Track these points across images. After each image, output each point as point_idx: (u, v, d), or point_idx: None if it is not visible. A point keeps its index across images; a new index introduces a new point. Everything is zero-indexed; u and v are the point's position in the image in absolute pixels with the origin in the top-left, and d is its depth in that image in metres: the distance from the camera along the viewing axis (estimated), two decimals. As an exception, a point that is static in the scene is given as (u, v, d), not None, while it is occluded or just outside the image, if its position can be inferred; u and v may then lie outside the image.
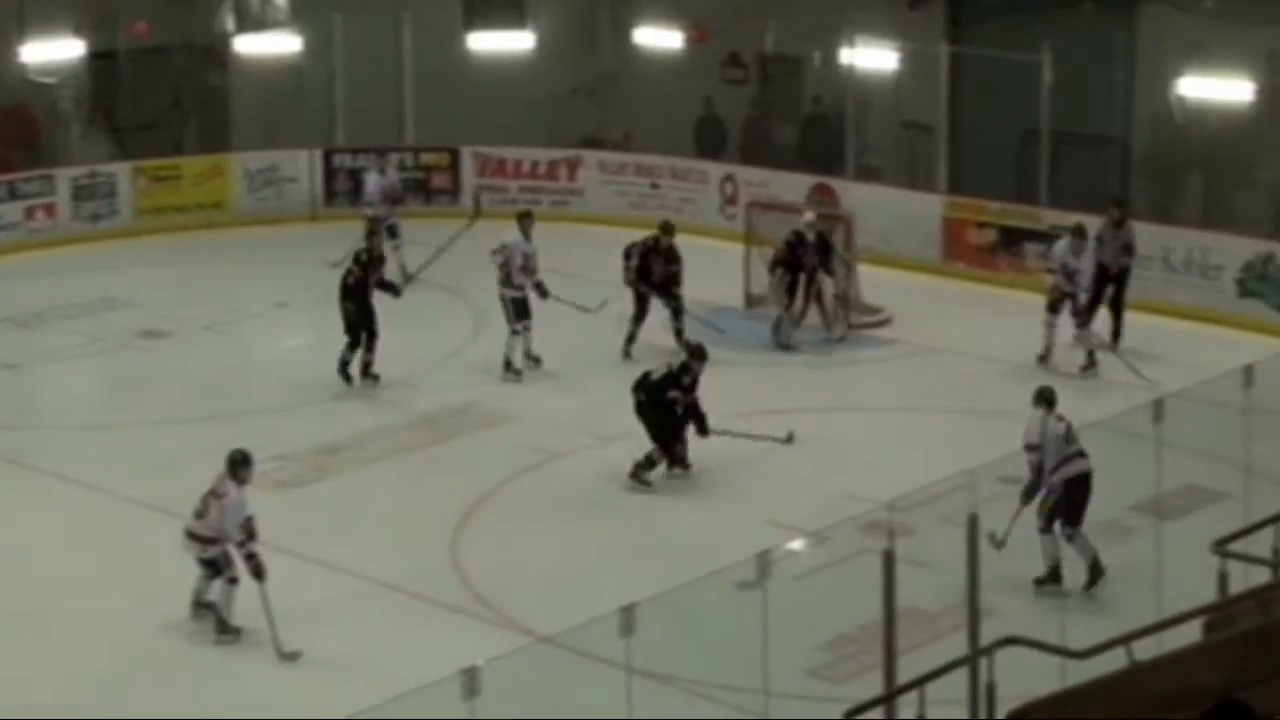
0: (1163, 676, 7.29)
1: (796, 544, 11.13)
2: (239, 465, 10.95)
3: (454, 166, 21.03)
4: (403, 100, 21.05)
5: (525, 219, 15.77)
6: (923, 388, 15.28)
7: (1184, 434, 11.43)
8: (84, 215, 19.91)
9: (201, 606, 11.02)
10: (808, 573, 10.89)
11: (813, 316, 16.25)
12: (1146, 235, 17.02)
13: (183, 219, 20.14)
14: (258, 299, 17.93)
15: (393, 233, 18.05)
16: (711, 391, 14.77)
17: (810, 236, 16.22)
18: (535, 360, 15.46)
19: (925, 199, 18.71)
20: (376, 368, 15.08)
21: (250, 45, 21.35)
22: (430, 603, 11.36)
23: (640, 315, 15.72)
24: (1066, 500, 11.10)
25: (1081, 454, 11.17)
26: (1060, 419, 11.32)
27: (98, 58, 21.06)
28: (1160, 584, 9.67)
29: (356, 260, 15.30)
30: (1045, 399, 11.39)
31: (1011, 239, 17.87)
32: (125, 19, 20.94)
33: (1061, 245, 15.56)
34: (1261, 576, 8.90)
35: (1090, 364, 15.17)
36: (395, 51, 21.03)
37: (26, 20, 20.50)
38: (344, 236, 18.72)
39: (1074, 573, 11.04)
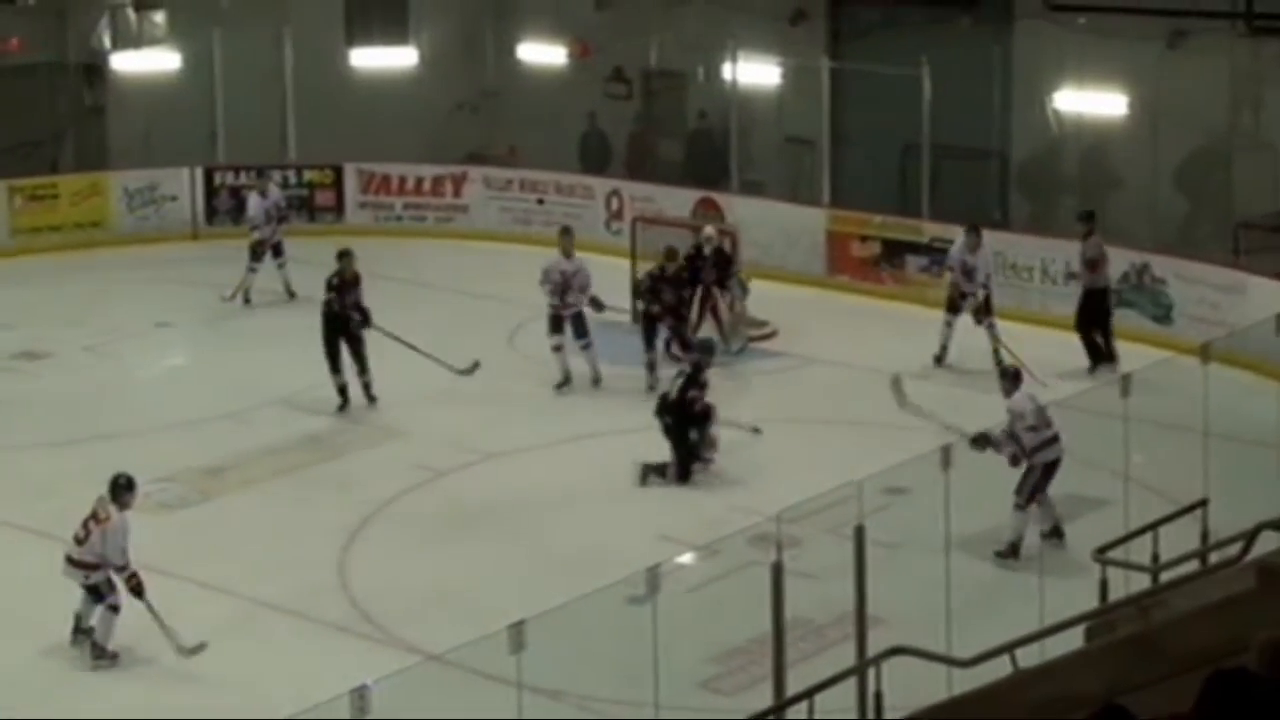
0: (1046, 683, 7.41)
1: (686, 557, 11.17)
2: (122, 489, 10.78)
3: (338, 183, 20.87)
4: (285, 117, 20.86)
5: (565, 236, 15.72)
6: (808, 400, 15.40)
7: (1065, 442, 11.66)
8: (-41, 235, 19.54)
9: (81, 632, 10.82)
10: (698, 586, 10.92)
11: (708, 330, 16.31)
12: (1024, 247, 17.32)
13: (61, 238, 19.81)
14: (138, 319, 17.64)
15: (277, 251, 17.91)
16: (605, 403, 14.85)
17: (708, 250, 16.29)
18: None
19: (809, 213, 18.87)
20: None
21: (128, 62, 21.02)
22: (318, 622, 11.25)
23: (651, 341, 15.51)
24: (1043, 480, 11.62)
25: (1058, 438, 11.61)
26: (1032, 398, 11.83)
27: (-29, 74, 20.69)
28: (1043, 592, 9.80)
29: (330, 286, 15.00)
30: (1017, 377, 11.99)
31: (894, 251, 18.07)
32: (-2, 35, 20.59)
33: (958, 244, 15.79)
34: (1141, 583, 9.08)
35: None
36: (276, 67, 20.84)
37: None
38: (226, 256, 18.57)
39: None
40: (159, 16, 21.06)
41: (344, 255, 15.32)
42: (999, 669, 7.87)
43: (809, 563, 10.76)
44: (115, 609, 10.66)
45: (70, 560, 10.76)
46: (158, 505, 13.06)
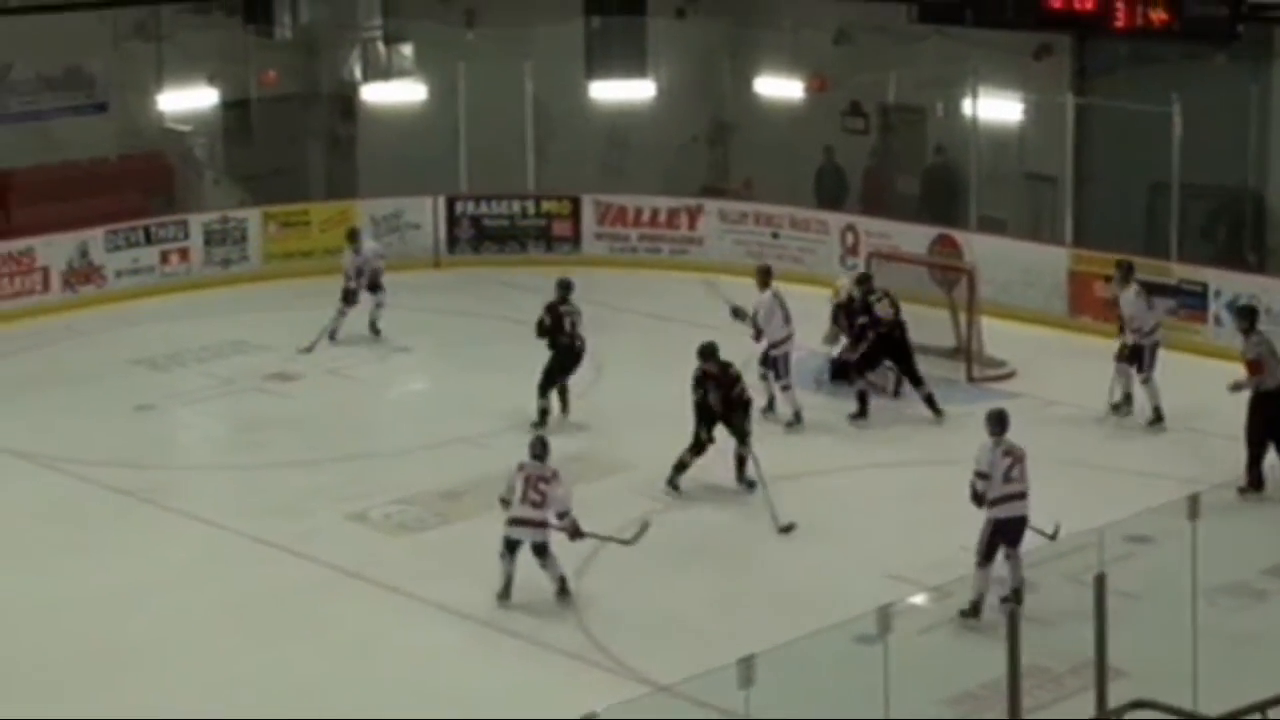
0: (1300, 745, 7.11)
1: (918, 598, 11.01)
2: (547, 446, 12.06)
3: (575, 214, 21.17)
4: (525, 148, 21.24)
5: (763, 274, 15.79)
6: (1046, 442, 15.01)
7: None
8: (216, 260, 20.30)
9: (506, 595, 11.88)
10: (929, 627, 10.76)
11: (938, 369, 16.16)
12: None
13: (310, 264, 20.44)
14: (382, 344, 18.11)
15: (373, 288, 17.90)
16: (819, 445, 14.71)
17: (857, 295, 15.86)
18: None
19: (1050, 251, 18.51)
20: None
21: (377, 94, 21.68)
22: (549, 649, 11.36)
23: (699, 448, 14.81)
24: (1000, 537, 11.29)
25: (1022, 495, 11.32)
26: (1009, 452, 11.43)
27: (230, 106, 21.54)
28: (1296, 649, 9.44)
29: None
30: (998, 423, 11.51)
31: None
32: (256, 68, 21.39)
33: (1129, 295, 15.34)
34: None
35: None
36: (518, 99, 21.25)
37: (163, 70, 21.03)
38: (466, 283, 18.98)
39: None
40: (407, 49, 21.71)
41: (564, 286, 15.70)
42: (1248, 728, 7.60)
43: (1046, 609, 10.54)
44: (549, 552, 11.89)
45: (525, 522, 11.81)
46: (397, 526, 13.40)
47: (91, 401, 16.41)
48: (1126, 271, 15.50)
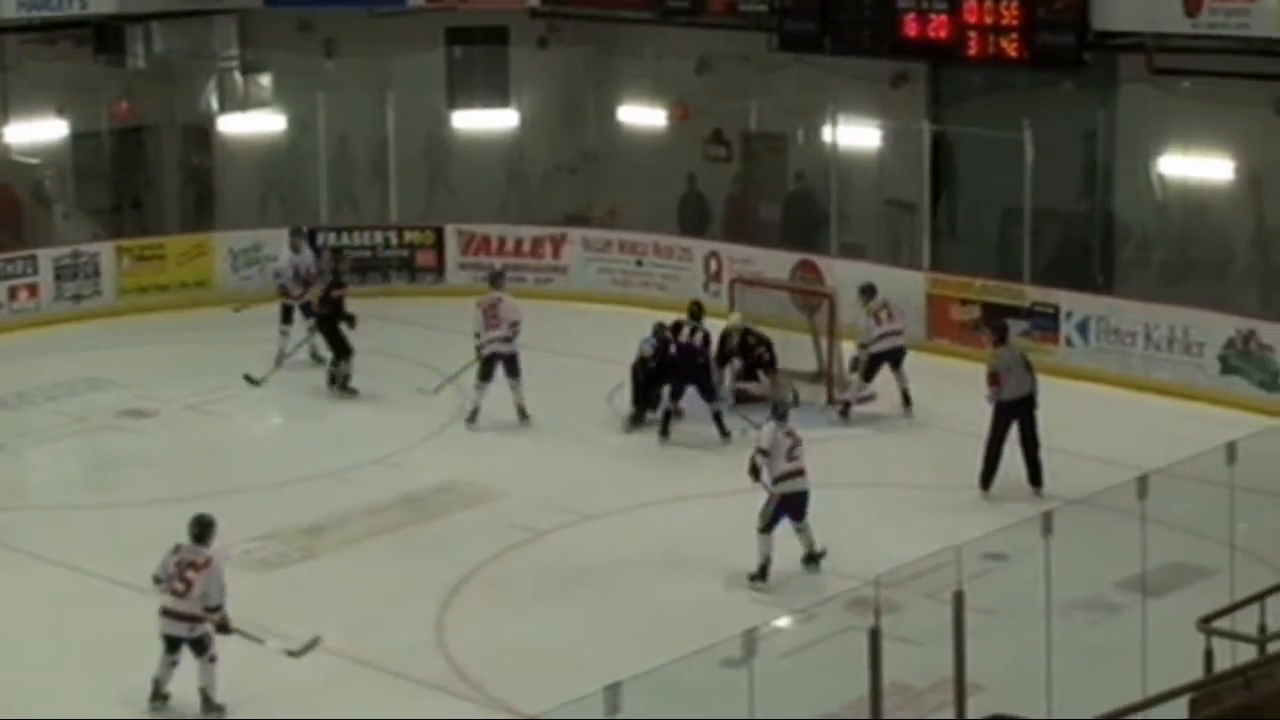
0: (1150, 754, 7.26)
1: (783, 621, 11.09)
2: (209, 528, 10.93)
3: (439, 244, 21.11)
4: (387, 178, 21.14)
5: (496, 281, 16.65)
6: (907, 464, 15.29)
7: (1168, 510, 11.46)
8: (67, 295, 19.93)
9: (160, 698, 10.87)
10: (794, 650, 10.84)
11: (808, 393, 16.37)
12: (1130, 313, 17.13)
13: (166, 298, 20.16)
14: (241, 378, 17.88)
15: (307, 313, 17.78)
16: (706, 468, 14.83)
17: (733, 341, 16.45)
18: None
19: (909, 276, 18.79)
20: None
21: (234, 124, 21.46)
22: (415, 682, 11.28)
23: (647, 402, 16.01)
24: (784, 511, 12.60)
25: (802, 472, 12.63)
26: (790, 434, 12.66)
27: (81, 138, 21.16)
28: (1146, 661, 9.63)
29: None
30: (780, 412, 12.85)
31: (995, 315, 17.94)
32: (108, 99, 21.05)
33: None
34: (1247, 654, 8.89)
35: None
36: (380, 130, 21.16)
37: (9, 101, 20.61)
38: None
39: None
40: (265, 79, 21.54)
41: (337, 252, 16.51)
42: (1101, 739, 7.74)
43: (907, 628, 10.66)
44: (214, 659, 10.77)
45: (172, 614, 10.80)
46: (258, 563, 13.22)
47: (-61, 443, 16.03)
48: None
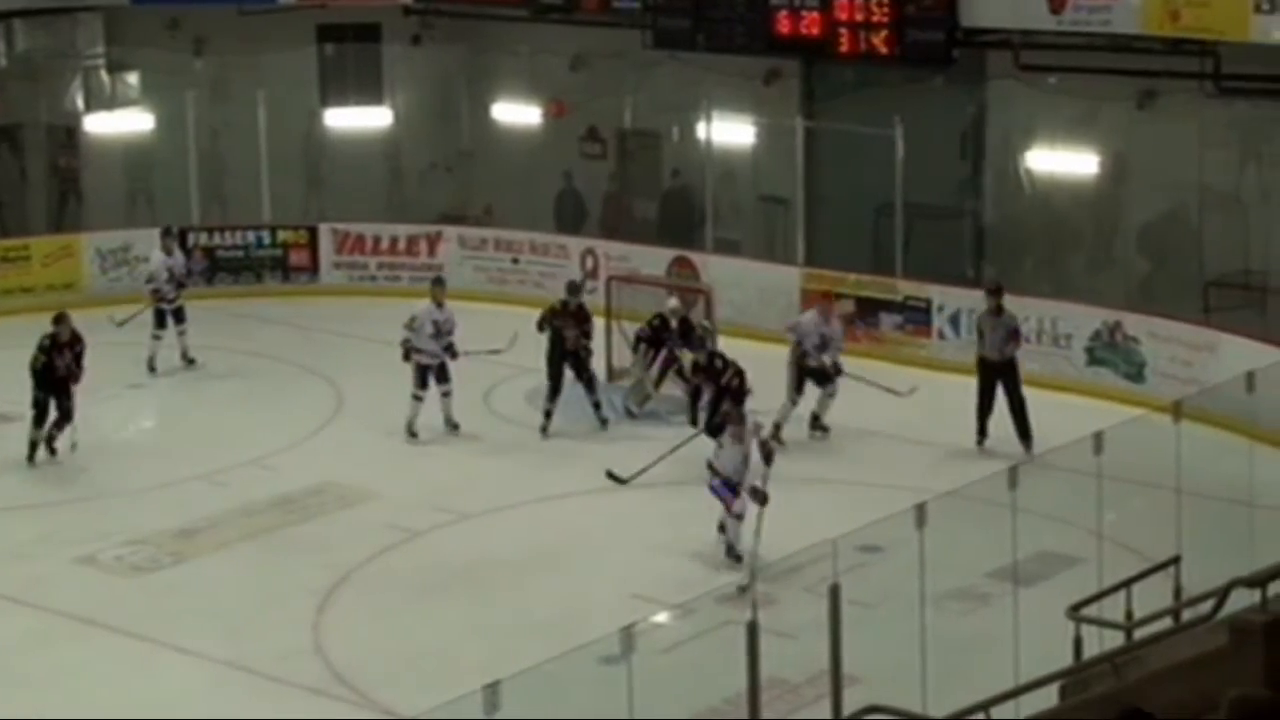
0: (1021, 741, 7.39)
1: (661, 617, 11.13)
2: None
3: (312, 243, 20.90)
4: (259, 177, 20.89)
5: (437, 285, 16.09)
6: (780, 459, 15.34)
7: (1038, 500, 11.66)
8: (-71, 297, 19.50)
9: None
10: (673, 646, 10.88)
11: (673, 389, 16.34)
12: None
13: (32, 300, 19.74)
14: (111, 381, 17.54)
15: (179, 317, 17.59)
16: (577, 462, 14.80)
17: (673, 323, 16.39)
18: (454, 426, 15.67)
19: (784, 271, 18.93)
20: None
21: (101, 124, 21.09)
22: (292, 685, 11.17)
23: (556, 391, 15.78)
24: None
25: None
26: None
27: (-56, 136, 20.73)
28: (1017, 650, 9.78)
29: (42, 348, 15.23)
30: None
31: (868, 310, 18.14)
32: (-30, 97, 20.64)
33: (808, 317, 16.02)
34: (1115, 640, 9.07)
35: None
36: (251, 128, 20.90)
37: None
38: (197, 316, 18.51)
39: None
40: (132, 78, 21.18)
41: (60, 319, 15.42)
42: (974, 728, 7.86)
43: (785, 622, 10.74)
44: None
45: None
46: (130, 568, 13.03)
47: None
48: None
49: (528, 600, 12.48)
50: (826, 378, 15.65)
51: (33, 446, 15.02)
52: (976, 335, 15.66)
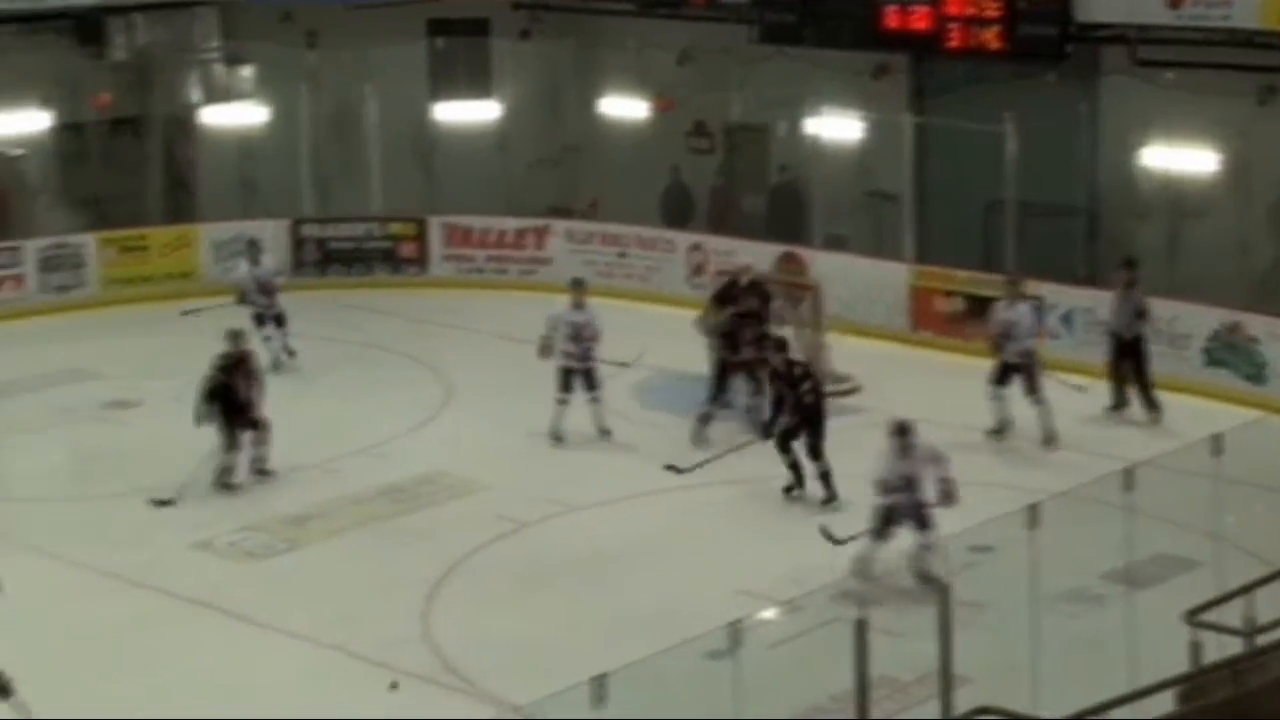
0: (1137, 747, 7.29)
1: (769, 613, 11.10)
2: None
3: (422, 236, 21.07)
4: (370, 169, 21.10)
5: (575, 286, 15.64)
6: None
7: (1154, 503, 11.51)
8: (51, 286, 19.87)
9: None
10: (780, 642, 10.85)
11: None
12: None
13: (150, 289, 20.09)
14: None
15: (279, 322, 17.52)
16: (687, 457, 14.75)
17: (743, 280, 16.16)
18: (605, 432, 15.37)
19: (892, 268, 18.81)
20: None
21: (216, 116, 21.40)
22: (401, 673, 11.25)
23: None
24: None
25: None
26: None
27: (65, 129, 21.09)
28: (1133, 654, 9.66)
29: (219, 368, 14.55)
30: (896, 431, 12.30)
31: (979, 307, 17.96)
32: (90, 91, 20.96)
33: (999, 306, 15.65)
34: (1234, 647, 8.92)
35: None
36: (362, 121, 21.10)
37: (-8, 92, 20.57)
38: (316, 306, 18.77)
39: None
40: (247, 71, 21.48)
41: (235, 337, 14.85)
42: (1089, 732, 7.77)
43: (893, 620, 10.68)
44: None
45: None
46: (244, 553, 13.22)
47: (-76, 434, 15.98)
48: (1015, 285, 15.69)
49: (635, 594, 12.51)
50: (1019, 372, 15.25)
51: (226, 472, 14.28)
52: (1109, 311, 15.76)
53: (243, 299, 17.55)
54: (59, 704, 10.76)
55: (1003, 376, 15.31)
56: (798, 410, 13.86)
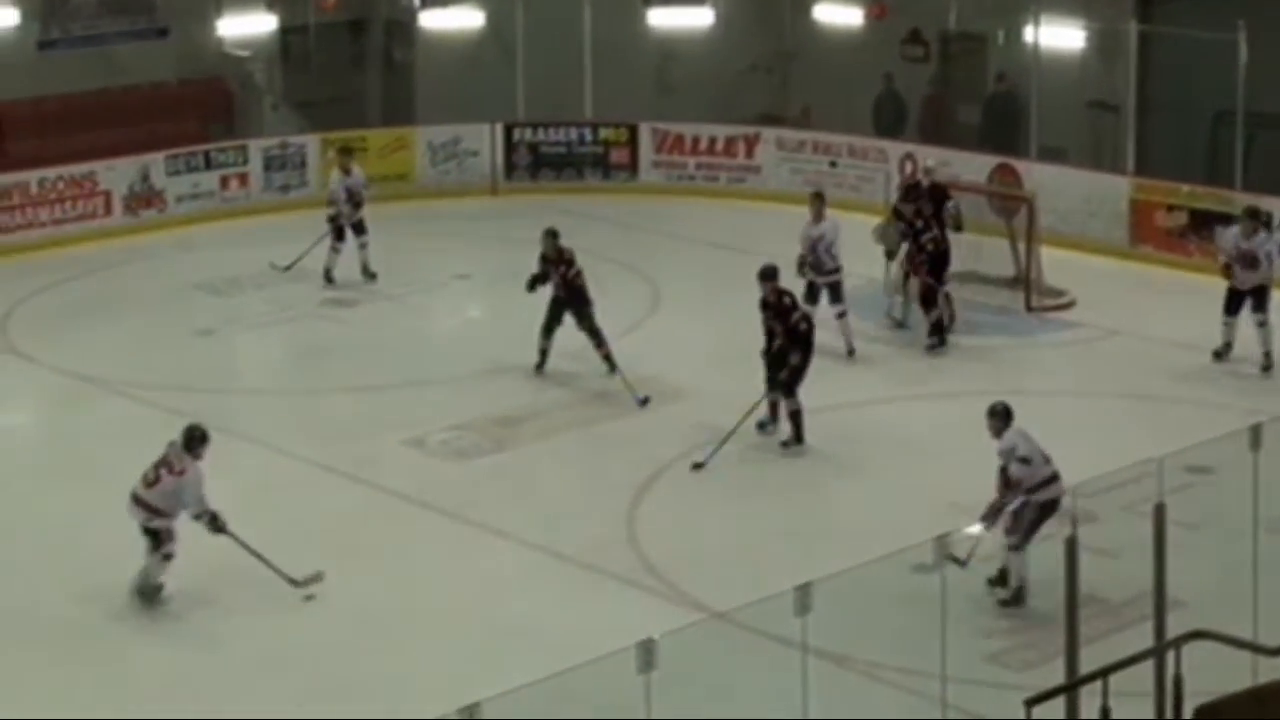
0: (1360, 677, 7.07)
1: (976, 528, 10.97)
2: (197, 441, 10.93)
3: (633, 141, 21.09)
4: (582, 75, 21.15)
5: (816, 199, 15.40)
6: (1106, 373, 14.98)
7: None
8: (275, 185, 20.36)
9: (145, 593, 10.88)
10: (988, 558, 10.74)
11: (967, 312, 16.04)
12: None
13: (369, 190, 20.44)
14: (439, 271, 18.15)
15: (359, 229, 17.44)
16: (880, 375, 14.61)
17: (925, 183, 16.00)
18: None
19: (1112, 180, 18.32)
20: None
21: (434, 20, 21.62)
22: (605, 574, 11.42)
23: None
24: (1039, 519, 10.70)
25: (1057, 477, 10.81)
26: (1024, 433, 10.97)
27: (289, 32, 21.53)
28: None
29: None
30: (1008, 414, 11.06)
31: (1202, 222, 17.41)
32: (315, -6, 21.39)
33: (1231, 232, 15.05)
34: None
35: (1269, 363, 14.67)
36: (577, 26, 21.13)
37: (223, -4, 21.09)
38: (522, 210, 18.96)
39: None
40: (463, -26, 21.57)
41: (550, 235, 14.89)
42: (1308, 660, 7.55)
43: (1104, 539, 10.50)
44: (169, 557, 10.85)
45: (136, 499, 10.84)
46: (453, 452, 13.48)
47: (152, 326, 16.56)
48: (1257, 217, 14.98)
49: (841, 504, 12.49)
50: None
51: (542, 355, 14.71)
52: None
53: (334, 215, 17.44)
54: (278, 593, 11.14)
55: (1234, 304, 14.81)
56: (791, 340, 13.30)
